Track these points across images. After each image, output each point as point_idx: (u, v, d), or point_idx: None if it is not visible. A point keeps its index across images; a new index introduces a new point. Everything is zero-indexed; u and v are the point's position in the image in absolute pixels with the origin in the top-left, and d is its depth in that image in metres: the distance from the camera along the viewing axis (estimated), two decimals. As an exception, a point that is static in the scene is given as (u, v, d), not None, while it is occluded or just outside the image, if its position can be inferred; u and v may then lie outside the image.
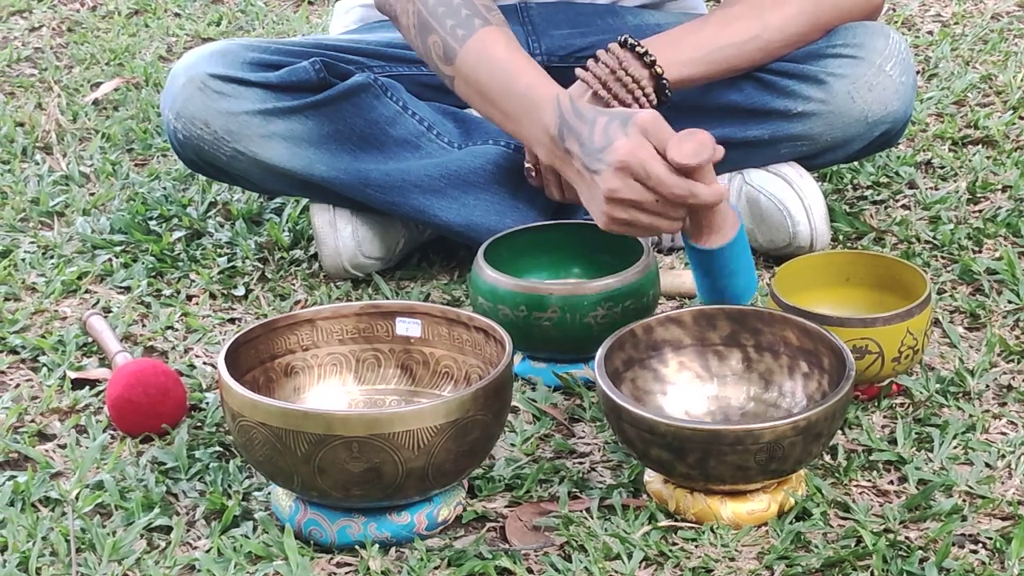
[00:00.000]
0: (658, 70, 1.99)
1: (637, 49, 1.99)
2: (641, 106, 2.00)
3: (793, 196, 2.13)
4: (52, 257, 2.26)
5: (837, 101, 2.09)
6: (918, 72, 2.81)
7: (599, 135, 1.75)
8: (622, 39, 2.00)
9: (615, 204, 1.74)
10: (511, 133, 1.90)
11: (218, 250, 2.25)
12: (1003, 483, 1.66)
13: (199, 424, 1.81)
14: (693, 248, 1.74)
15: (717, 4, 3.23)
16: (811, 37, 2.09)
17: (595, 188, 1.75)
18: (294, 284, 2.16)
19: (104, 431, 1.81)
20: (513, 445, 1.75)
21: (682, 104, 2.10)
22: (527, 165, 2.06)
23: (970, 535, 1.57)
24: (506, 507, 1.65)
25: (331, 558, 1.58)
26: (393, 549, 1.58)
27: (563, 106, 1.81)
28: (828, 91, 2.09)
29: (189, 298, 2.14)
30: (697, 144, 1.69)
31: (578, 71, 2.02)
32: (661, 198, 1.71)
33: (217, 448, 1.75)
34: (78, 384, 1.92)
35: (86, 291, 2.15)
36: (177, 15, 3.36)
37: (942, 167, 2.44)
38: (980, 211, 2.29)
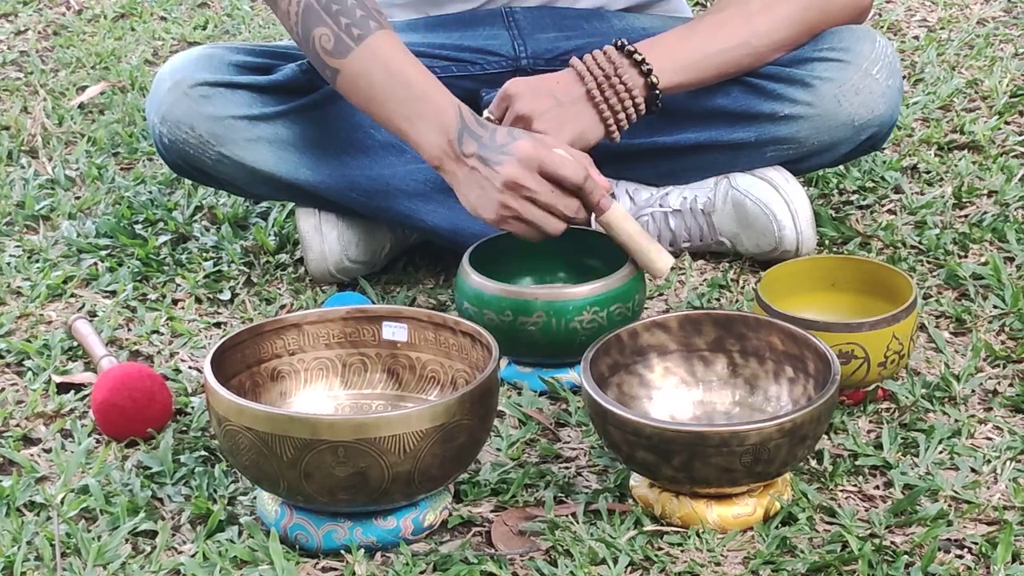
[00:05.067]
0: (654, 80, 1.99)
1: (635, 56, 1.99)
2: (628, 116, 2.00)
3: (779, 200, 2.13)
4: (37, 261, 2.25)
5: (824, 104, 2.10)
6: (904, 77, 2.81)
7: (501, 136, 1.84)
8: (618, 43, 2.00)
9: (511, 193, 1.82)
10: (395, 131, 1.91)
11: (204, 254, 2.25)
12: (988, 488, 1.66)
13: (184, 428, 1.81)
14: None
15: (702, 6, 3.24)
16: (800, 41, 2.09)
17: (492, 178, 1.82)
18: (280, 288, 2.16)
19: (89, 435, 1.81)
20: (499, 450, 1.75)
21: (670, 108, 2.10)
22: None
23: (956, 540, 1.57)
24: (492, 512, 1.65)
25: (317, 563, 1.58)
26: (379, 554, 1.58)
27: (464, 113, 1.87)
28: (815, 94, 2.09)
29: (175, 302, 2.14)
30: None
31: (573, 60, 2.01)
32: (557, 187, 1.81)
33: (203, 452, 1.75)
34: (63, 388, 1.92)
35: (71, 295, 2.15)
36: (163, 19, 3.36)
37: (928, 172, 2.45)
38: (966, 216, 2.29)
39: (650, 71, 1.99)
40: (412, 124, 1.88)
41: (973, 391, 1.84)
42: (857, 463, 1.70)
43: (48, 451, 1.79)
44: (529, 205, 1.82)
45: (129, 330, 2.06)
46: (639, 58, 1.99)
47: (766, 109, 2.11)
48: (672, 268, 2.17)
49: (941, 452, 1.71)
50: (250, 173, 2.10)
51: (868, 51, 2.09)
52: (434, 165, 1.88)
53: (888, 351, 1.75)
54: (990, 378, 1.87)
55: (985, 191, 2.36)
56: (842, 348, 1.73)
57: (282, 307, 2.11)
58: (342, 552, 1.57)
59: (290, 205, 2.32)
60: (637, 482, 1.65)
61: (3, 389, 1.92)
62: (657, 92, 2.00)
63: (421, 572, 1.55)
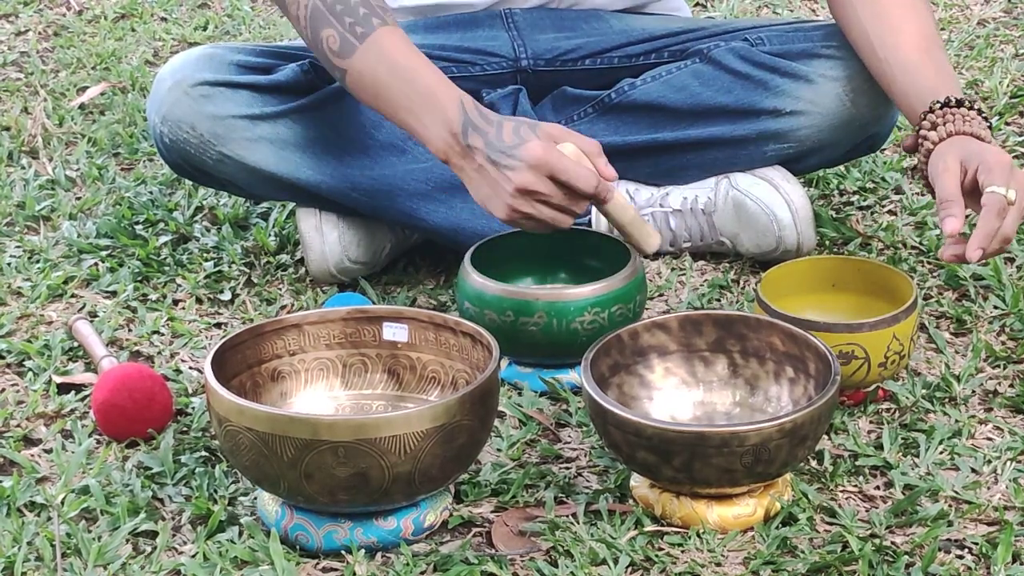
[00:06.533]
0: (985, 116, 1.88)
1: (969, 106, 1.87)
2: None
3: (779, 200, 2.13)
4: (38, 261, 2.25)
5: (826, 102, 2.10)
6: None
7: (509, 135, 1.81)
8: (944, 100, 1.87)
9: (523, 198, 1.80)
10: (402, 126, 1.89)
11: (204, 255, 2.25)
12: (989, 488, 1.66)
13: (185, 429, 1.81)
14: None
15: (702, 6, 3.24)
16: None
17: (503, 182, 1.81)
18: (280, 289, 2.16)
19: (90, 436, 1.81)
20: (499, 450, 1.75)
21: (674, 108, 2.11)
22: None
23: (956, 540, 1.57)
24: (492, 512, 1.65)
25: (317, 563, 1.58)
26: (379, 554, 1.58)
27: (467, 106, 1.84)
28: (818, 91, 2.10)
29: (175, 303, 2.14)
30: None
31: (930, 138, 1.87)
32: (568, 192, 1.80)
33: (203, 453, 1.75)
34: (64, 389, 1.92)
35: (72, 295, 2.15)
36: (164, 19, 3.36)
37: (928, 172, 2.44)
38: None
39: (985, 117, 1.88)
40: (418, 118, 1.86)
41: (973, 391, 1.84)
42: (857, 463, 1.70)
43: (48, 451, 1.79)
44: (541, 206, 1.81)
45: (130, 330, 2.06)
46: (977, 108, 1.87)
47: (768, 105, 2.12)
48: (672, 269, 2.17)
49: (941, 452, 1.72)
50: (251, 173, 2.10)
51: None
52: (442, 159, 1.86)
53: (888, 352, 1.75)
54: (990, 378, 1.87)
55: (985, 191, 2.36)
56: (842, 348, 1.73)
57: (283, 307, 2.11)
58: (342, 552, 1.57)
59: (291, 205, 2.32)
60: (637, 482, 1.65)
61: (3, 390, 1.92)
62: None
63: (421, 572, 1.55)
